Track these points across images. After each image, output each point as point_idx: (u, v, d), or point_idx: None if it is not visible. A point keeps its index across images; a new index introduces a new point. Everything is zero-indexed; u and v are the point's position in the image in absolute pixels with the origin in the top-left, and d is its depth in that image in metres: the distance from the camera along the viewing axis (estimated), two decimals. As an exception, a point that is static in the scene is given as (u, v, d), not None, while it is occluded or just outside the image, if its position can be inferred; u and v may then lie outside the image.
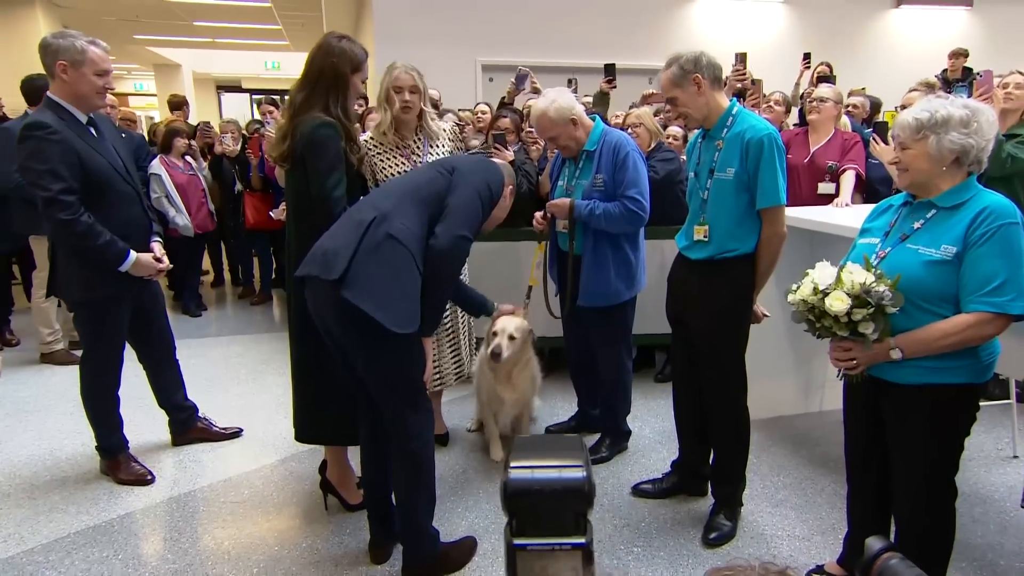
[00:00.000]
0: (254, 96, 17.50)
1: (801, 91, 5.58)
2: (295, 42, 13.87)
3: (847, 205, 3.55)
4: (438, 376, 3.00)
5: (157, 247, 2.89)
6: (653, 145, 3.88)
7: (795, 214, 2.96)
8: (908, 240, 1.82)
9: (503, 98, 5.20)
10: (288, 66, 16.08)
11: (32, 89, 4.03)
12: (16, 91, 4.28)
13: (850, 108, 4.78)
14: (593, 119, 2.94)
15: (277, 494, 2.88)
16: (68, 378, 2.97)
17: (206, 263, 6.65)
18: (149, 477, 2.96)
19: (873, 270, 1.78)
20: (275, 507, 2.78)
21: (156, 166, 5.25)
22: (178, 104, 6.64)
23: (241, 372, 4.34)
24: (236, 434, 3.38)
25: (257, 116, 6.96)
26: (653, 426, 3.48)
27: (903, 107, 3.71)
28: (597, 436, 3.22)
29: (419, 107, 2.79)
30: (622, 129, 3.59)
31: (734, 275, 2.41)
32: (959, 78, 6.08)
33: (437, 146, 2.91)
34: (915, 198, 1.88)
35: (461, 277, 2.97)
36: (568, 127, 2.84)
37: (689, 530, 2.59)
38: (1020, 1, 8.87)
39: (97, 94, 2.69)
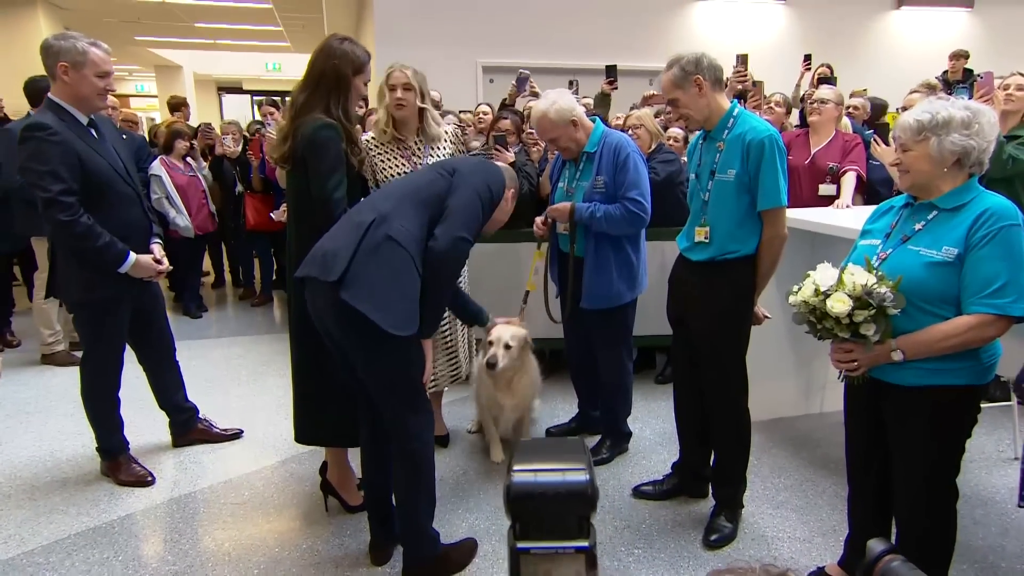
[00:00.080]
0: (255, 97, 17.51)
1: (802, 92, 5.58)
2: (296, 43, 13.88)
3: (848, 206, 3.55)
4: (431, 378, 3.00)
5: (157, 248, 2.89)
6: (654, 146, 3.88)
7: (796, 215, 2.96)
8: (909, 242, 1.82)
9: (504, 100, 5.21)
10: (289, 67, 16.11)
11: (35, 90, 4.04)
12: (17, 92, 4.29)
13: (851, 110, 4.78)
14: (593, 121, 2.94)
15: (278, 495, 2.88)
16: (69, 379, 2.97)
17: (207, 264, 6.66)
18: (150, 478, 2.96)
19: (874, 272, 1.77)
20: (275, 508, 2.78)
21: (156, 167, 5.25)
22: (177, 105, 6.65)
23: (242, 373, 4.34)
24: (237, 435, 3.38)
25: (258, 117, 6.96)
26: (654, 427, 3.48)
27: (904, 109, 3.71)
28: (598, 437, 3.22)
29: (415, 106, 2.78)
30: (623, 130, 3.59)
31: (735, 277, 2.41)
32: (960, 79, 6.08)
33: (438, 148, 2.91)
34: (916, 199, 1.88)
35: (460, 279, 2.98)
36: (568, 128, 2.84)
37: (690, 532, 2.58)
38: (1021, 2, 8.88)
39: (98, 96, 2.70)
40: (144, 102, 18.83)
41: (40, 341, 4.51)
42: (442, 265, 2.08)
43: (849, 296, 1.74)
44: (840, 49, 7.76)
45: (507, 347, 2.81)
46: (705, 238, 2.41)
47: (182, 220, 5.31)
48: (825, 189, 3.77)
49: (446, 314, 2.94)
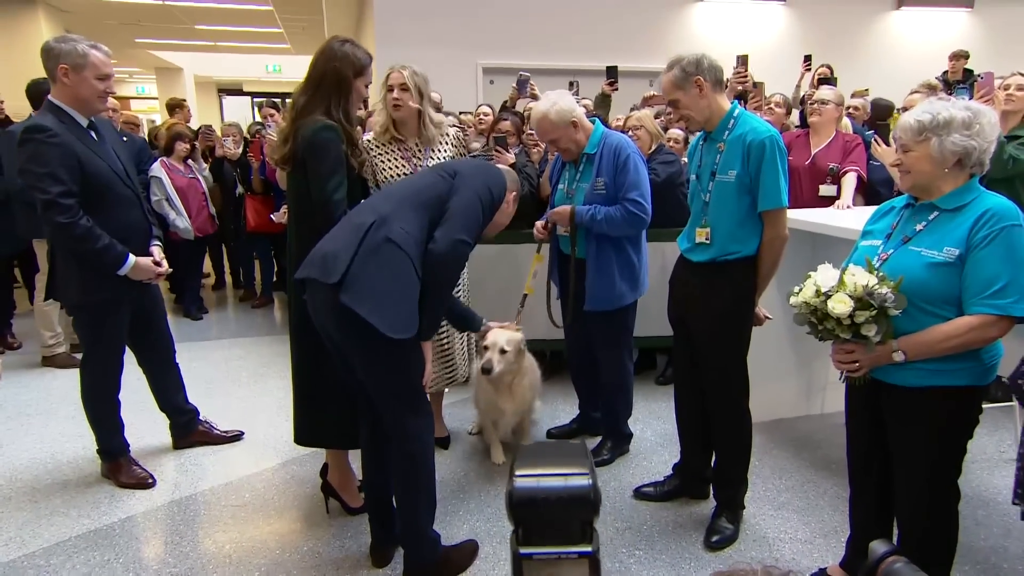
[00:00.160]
0: (255, 99, 17.52)
1: (802, 93, 5.58)
2: (296, 45, 13.90)
3: (848, 207, 3.54)
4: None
5: (157, 251, 2.88)
6: (654, 147, 3.88)
7: (796, 216, 2.96)
8: (910, 242, 1.82)
9: (505, 102, 5.21)
10: (289, 69, 16.13)
11: (37, 93, 4.04)
12: (17, 94, 4.29)
13: (851, 110, 4.78)
14: (593, 122, 2.94)
15: (278, 497, 2.87)
16: (69, 381, 2.97)
17: (207, 266, 6.66)
18: (150, 480, 2.96)
19: (875, 272, 1.77)
20: (276, 510, 2.78)
21: (157, 169, 5.25)
22: (174, 106, 6.66)
23: (242, 375, 4.34)
24: (237, 437, 3.38)
25: (258, 119, 6.96)
26: (654, 428, 3.47)
27: (904, 109, 3.71)
28: (598, 439, 3.22)
29: (412, 107, 2.78)
30: (622, 132, 3.59)
31: (736, 277, 2.41)
32: (960, 80, 6.08)
33: (438, 149, 2.91)
34: (917, 200, 1.88)
35: (460, 283, 2.98)
36: (569, 130, 2.84)
37: (691, 533, 2.58)
38: (1021, 2, 8.88)
39: (98, 98, 2.70)
40: (145, 104, 18.85)
41: (41, 343, 4.51)
42: (441, 267, 2.08)
43: (850, 297, 1.74)
44: (840, 49, 7.76)
45: (502, 352, 2.80)
46: (706, 239, 2.41)
47: (182, 222, 5.31)
48: (826, 190, 3.77)
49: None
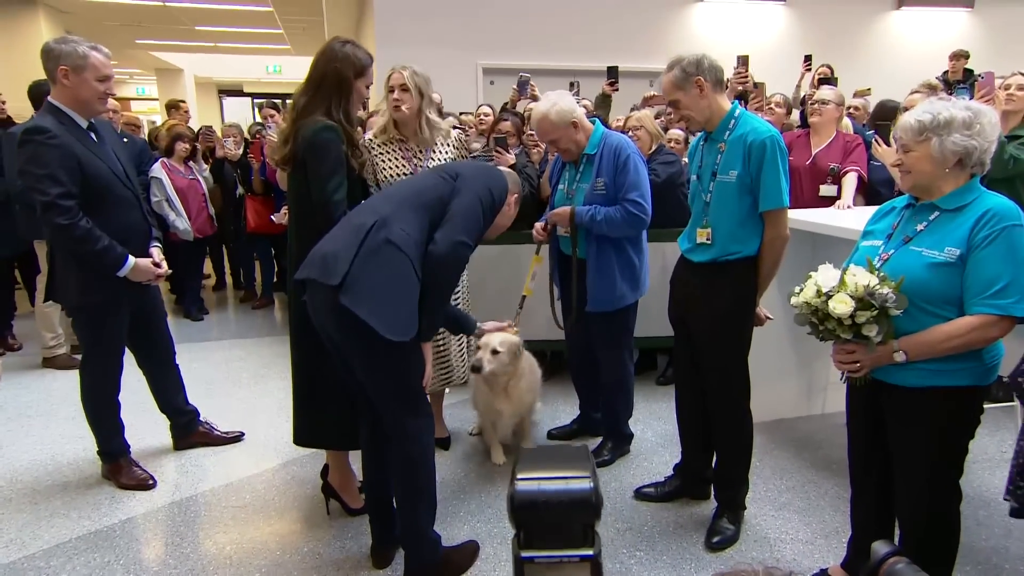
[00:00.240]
0: (256, 100, 17.54)
1: (802, 93, 5.58)
2: (296, 46, 13.90)
3: (849, 207, 3.54)
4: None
5: (156, 252, 2.88)
6: (654, 148, 3.88)
7: (797, 216, 2.95)
8: (911, 242, 1.82)
9: (506, 103, 5.21)
10: (289, 70, 16.14)
11: (39, 94, 4.04)
12: (18, 96, 4.29)
13: (851, 110, 4.77)
14: (593, 122, 2.94)
15: (279, 498, 2.87)
16: (70, 383, 2.97)
17: (207, 267, 6.66)
18: (151, 481, 2.95)
19: (876, 272, 1.77)
20: (277, 511, 2.77)
21: (157, 170, 5.26)
22: (172, 107, 6.67)
23: (243, 376, 4.34)
24: (238, 438, 3.38)
25: (259, 120, 6.97)
26: (655, 429, 3.47)
27: (905, 109, 3.71)
28: (599, 439, 3.21)
29: (412, 107, 2.78)
30: (622, 132, 3.59)
31: (737, 278, 2.40)
32: (960, 80, 6.08)
33: (439, 151, 2.91)
34: (918, 200, 1.88)
35: (459, 285, 2.97)
36: (569, 130, 2.83)
37: (692, 534, 2.58)
38: (1021, 2, 8.87)
39: (99, 99, 2.70)
40: (145, 105, 18.86)
41: (41, 344, 4.51)
42: (441, 269, 2.08)
43: (851, 297, 1.74)
44: (840, 49, 7.76)
45: (494, 352, 2.79)
46: (707, 239, 2.41)
47: (181, 223, 5.31)
48: (826, 190, 3.76)
49: None
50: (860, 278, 1.75)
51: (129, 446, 3.03)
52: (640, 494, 2.83)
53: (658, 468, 3.07)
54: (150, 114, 17.04)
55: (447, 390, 3.36)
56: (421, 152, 2.87)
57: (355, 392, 2.24)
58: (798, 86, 5.75)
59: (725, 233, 2.38)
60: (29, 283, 5.41)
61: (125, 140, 5.03)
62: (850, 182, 3.69)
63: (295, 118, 2.40)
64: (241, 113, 17.40)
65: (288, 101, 2.64)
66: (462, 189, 2.17)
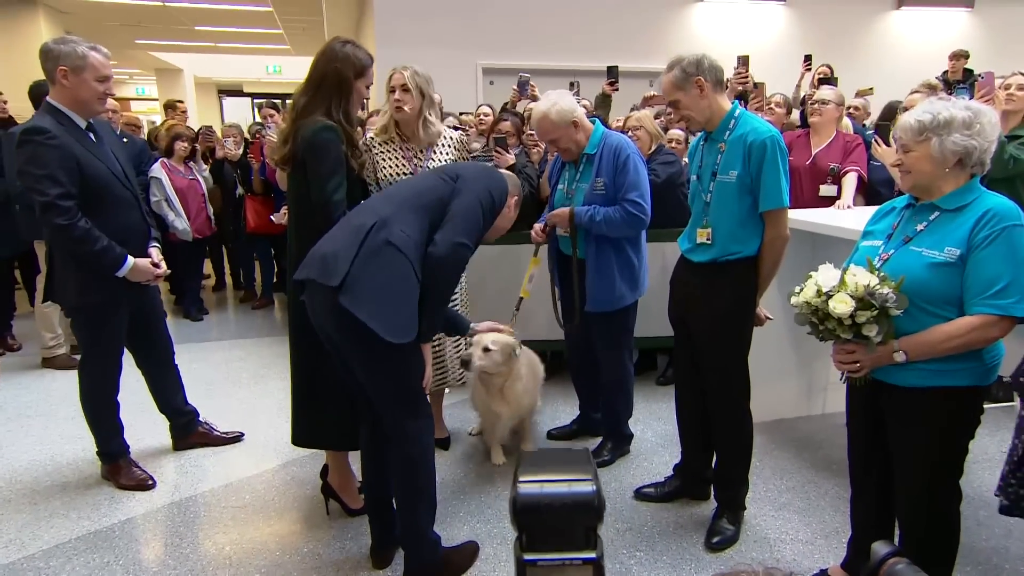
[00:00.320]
0: (255, 100, 17.54)
1: (802, 93, 5.58)
2: (296, 46, 13.90)
3: (849, 207, 3.54)
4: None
5: (155, 252, 2.88)
6: (653, 148, 3.87)
7: (797, 216, 2.95)
8: (911, 242, 1.82)
9: (506, 104, 5.21)
10: (289, 70, 16.14)
11: (40, 95, 4.04)
12: (18, 96, 4.29)
13: (851, 110, 4.77)
14: (593, 122, 2.94)
15: (278, 499, 2.87)
16: (69, 383, 2.97)
17: (207, 267, 6.66)
18: (150, 482, 2.95)
19: (876, 272, 1.77)
20: (276, 512, 2.77)
21: (157, 170, 5.26)
22: (170, 107, 6.67)
23: (242, 376, 4.34)
24: (237, 438, 3.37)
25: (258, 120, 6.97)
26: (655, 429, 3.47)
27: (905, 109, 3.71)
28: (599, 439, 3.21)
29: (414, 107, 2.78)
30: (622, 132, 3.59)
31: (737, 278, 2.40)
32: (960, 80, 6.08)
33: (440, 152, 2.90)
34: (918, 200, 1.88)
35: (459, 286, 2.97)
36: (569, 130, 2.83)
37: (692, 534, 2.57)
38: (1021, 2, 8.87)
39: (98, 100, 2.70)
40: (145, 105, 18.86)
41: (41, 345, 4.50)
42: (441, 271, 2.07)
43: (851, 297, 1.73)
44: (840, 49, 7.76)
45: (486, 350, 2.78)
46: (707, 239, 2.41)
47: (180, 223, 5.31)
48: (826, 190, 3.76)
49: None
50: (860, 278, 1.74)
51: (128, 447, 3.03)
52: (640, 494, 2.83)
53: (658, 468, 3.07)
54: (150, 114, 17.04)
55: (447, 391, 3.36)
56: (421, 152, 2.87)
57: (355, 392, 2.24)
58: (798, 86, 5.74)
59: (725, 233, 2.38)
60: (29, 283, 5.41)
61: (125, 140, 5.04)
62: (850, 182, 3.69)
63: (295, 118, 2.40)
64: (241, 113, 17.41)
65: (288, 101, 2.64)
66: (462, 190, 2.17)
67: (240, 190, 5.92)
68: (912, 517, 1.93)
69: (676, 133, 4.22)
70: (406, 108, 2.77)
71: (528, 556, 0.85)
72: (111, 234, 2.65)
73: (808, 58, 5.63)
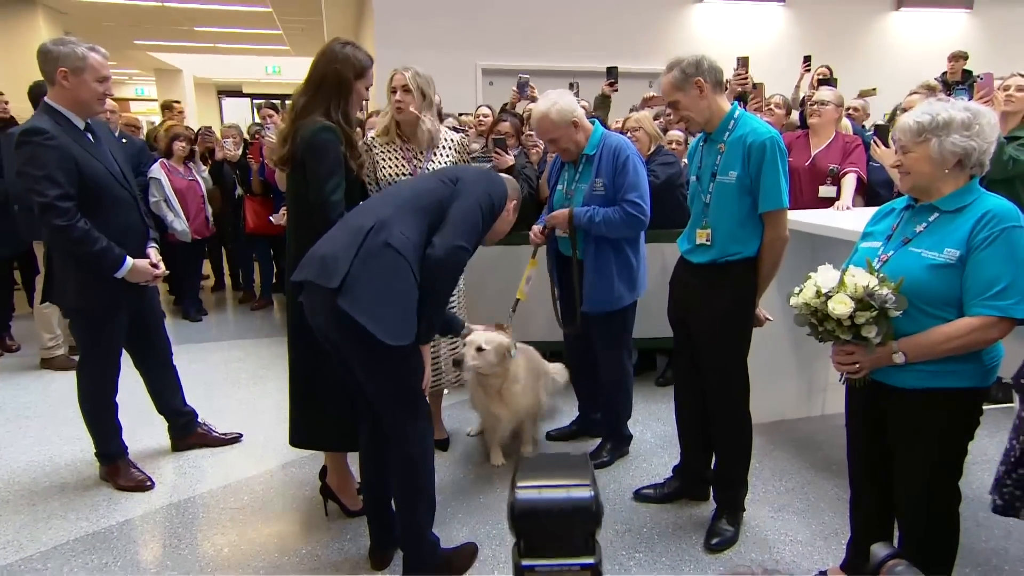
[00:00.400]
0: (255, 101, 17.54)
1: (801, 94, 5.58)
2: (295, 47, 13.91)
3: (848, 208, 3.54)
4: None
5: (153, 253, 2.88)
6: (653, 149, 3.87)
7: (797, 217, 2.95)
8: (911, 243, 1.82)
9: (505, 105, 5.21)
10: (289, 71, 16.14)
11: (40, 96, 4.03)
12: (16, 96, 4.28)
13: (851, 111, 4.77)
14: (592, 123, 2.94)
15: (277, 500, 2.87)
16: (68, 384, 2.96)
17: (206, 268, 6.65)
18: (149, 483, 2.95)
19: (876, 274, 1.77)
20: (275, 513, 2.77)
21: (156, 170, 5.25)
22: (167, 107, 6.66)
23: (241, 377, 4.34)
24: (236, 439, 3.37)
25: (257, 120, 6.97)
26: (655, 430, 3.47)
27: (904, 110, 3.71)
28: (598, 440, 3.21)
29: (415, 108, 2.77)
30: (622, 133, 3.59)
31: (736, 279, 2.40)
32: (959, 81, 6.08)
33: (440, 154, 2.90)
34: (917, 201, 1.88)
35: (457, 288, 2.96)
36: (569, 129, 2.83)
37: (691, 535, 2.57)
38: (1020, 3, 8.88)
39: (97, 100, 2.70)
40: (144, 106, 18.86)
41: (40, 345, 4.50)
42: (439, 273, 2.07)
43: (851, 298, 1.73)
44: (840, 50, 7.76)
45: (479, 350, 2.77)
46: (706, 240, 2.41)
47: (179, 224, 5.31)
48: (825, 191, 3.76)
49: None
50: (859, 279, 1.74)
51: (127, 447, 3.02)
52: (639, 495, 2.83)
53: (657, 469, 3.06)
54: (149, 115, 17.04)
55: (445, 392, 3.35)
56: (421, 154, 2.87)
57: (354, 392, 2.24)
58: (797, 87, 5.75)
59: (725, 234, 2.37)
60: (28, 284, 5.41)
61: (124, 141, 5.04)
62: (849, 183, 3.69)
63: (294, 119, 2.40)
64: (240, 114, 17.41)
65: (287, 102, 2.64)
66: (462, 193, 2.17)
67: (239, 191, 5.92)
68: (911, 518, 1.93)
69: (675, 134, 4.22)
70: (407, 109, 2.77)
71: (526, 562, 0.84)
72: (109, 235, 2.65)
73: (807, 59, 5.63)
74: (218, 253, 6.73)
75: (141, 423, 3.32)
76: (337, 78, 2.38)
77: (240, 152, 5.84)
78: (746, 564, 2.42)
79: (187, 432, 3.29)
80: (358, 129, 2.66)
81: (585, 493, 0.85)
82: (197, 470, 3.12)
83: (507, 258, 3.74)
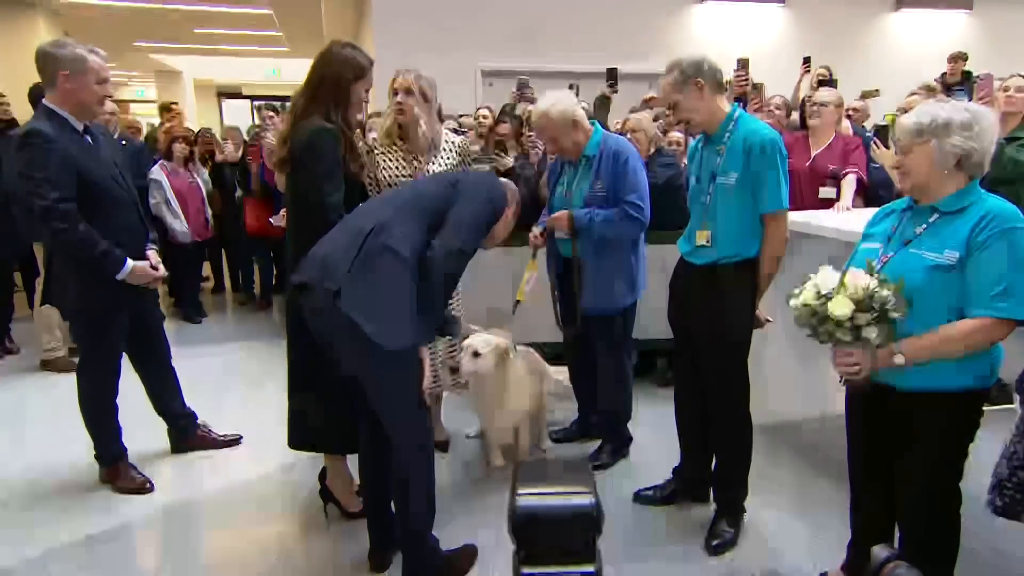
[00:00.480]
0: (255, 102, 17.54)
1: (801, 95, 5.57)
2: (295, 48, 13.90)
3: (848, 209, 3.54)
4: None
5: (153, 255, 2.88)
6: (653, 150, 3.87)
7: (797, 218, 2.95)
8: (911, 245, 1.82)
9: (506, 106, 5.21)
10: (288, 72, 16.12)
11: (41, 98, 4.03)
12: (16, 98, 4.28)
13: (851, 112, 4.77)
14: (592, 124, 2.94)
15: (277, 502, 2.86)
16: (68, 386, 2.96)
17: (206, 270, 6.65)
18: (148, 485, 2.94)
19: (876, 275, 1.77)
20: (275, 515, 2.77)
21: (156, 172, 5.26)
22: (164, 109, 6.66)
23: (241, 379, 4.34)
24: (236, 441, 3.37)
25: (257, 121, 6.97)
26: (654, 431, 3.46)
27: (904, 111, 3.71)
28: (598, 442, 3.21)
29: (417, 111, 2.77)
30: (621, 134, 3.59)
31: (737, 280, 2.40)
32: (958, 81, 6.08)
33: (441, 156, 2.90)
34: (917, 203, 1.88)
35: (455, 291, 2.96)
36: (569, 129, 2.83)
37: (691, 537, 2.57)
38: (1020, 4, 8.88)
39: (98, 102, 2.70)
40: (144, 108, 18.85)
41: (40, 347, 4.50)
42: (438, 276, 2.07)
43: (851, 299, 1.73)
44: (839, 51, 7.74)
45: (476, 354, 2.75)
46: (707, 242, 2.40)
47: (179, 226, 5.31)
48: (825, 192, 3.76)
49: None
50: (860, 280, 1.74)
51: (127, 450, 3.02)
52: (639, 497, 2.82)
53: (657, 471, 3.05)
54: (150, 117, 17.04)
55: (445, 393, 3.35)
56: (422, 156, 2.87)
57: (354, 394, 2.23)
58: (797, 88, 5.74)
59: (725, 235, 2.37)
60: (29, 286, 5.40)
61: (124, 143, 5.03)
62: (849, 184, 3.69)
63: (293, 120, 2.41)
64: (240, 115, 17.39)
65: (287, 103, 2.64)
66: (461, 197, 2.17)
67: (239, 192, 5.92)
68: (912, 520, 1.93)
69: (675, 135, 4.22)
70: (409, 112, 2.77)
71: (526, 570, 0.84)
72: (109, 236, 2.65)
73: (807, 60, 5.63)
74: (218, 255, 6.73)
75: (141, 425, 3.31)
76: (336, 80, 2.39)
77: (240, 154, 5.84)
78: (747, 565, 2.42)
79: (187, 434, 3.28)
80: (358, 131, 2.66)
81: (585, 500, 0.85)
82: (197, 472, 3.12)
83: (505, 260, 3.73)
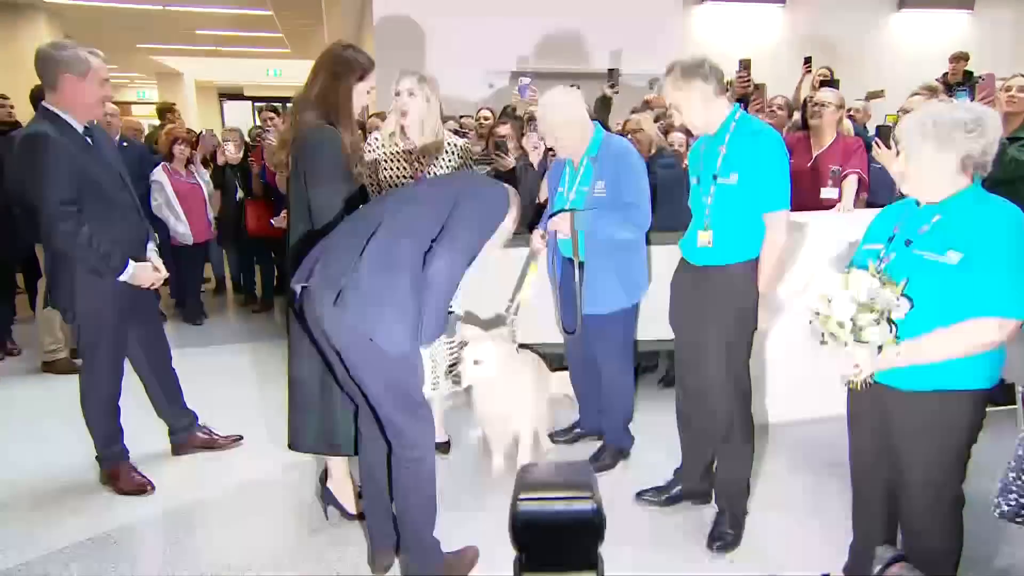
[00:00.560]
0: (256, 103, 17.56)
1: (802, 95, 5.57)
2: (296, 49, 13.93)
3: (850, 210, 3.53)
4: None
5: (154, 256, 2.88)
6: (654, 151, 3.87)
7: (798, 219, 2.94)
8: (913, 245, 1.81)
9: (507, 107, 5.21)
10: (289, 73, 16.17)
11: (42, 100, 4.04)
12: (17, 100, 4.28)
13: (852, 112, 4.76)
14: (593, 125, 2.94)
15: (278, 503, 2.86)
16: (70, 387, 2.97)
17: (207, 271, 6.65)
18: (149, 487, 2.94)
19: (878, 275, 1.76)
20: (275, 516, 2.77)
21: (158, 173, 5.26)
22: (165, 111, 6.67)
23: (242, 380, 4.33)
24: (236, 442, 3.36)
25: (258, 123, 6.98)
26: (656, 433, 3.45)
27: (905, 111, 3.70)
28: (599, 444, 3.20)
29: (419, 113, 2.77)
30: (622, 135, 3.58)
31: (738, 280, 2.40)
32: (960, 82, 6.07)
33: (443, 158, 2.90)
34: (919, 203, 1.87)
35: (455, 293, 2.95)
36: (571, 128, 2.83)
37: (693, 538, 2.56)
38: (1021, 4, 8.88)
39: (99, 104, 2.71)
40: (146, 109, 18.88)
41: (41, 348, 4.50)
42: (438, 279, 2.06)
43: (852, 300, 1.73)
44: (841, 51, 7.76)
45: (475, 363, 2.73)
46: (708, 242, 2.40)
47: (181, 227, 5.32)
48: (827, 192, 3.76)
49: None
50: (861, 281, 1.74)
51: (128, 451, 3.02)
52: (640, 498, 2.82)
53: (658, 472, 3.05)
54: (151, 118, 17.07)
55: (445, 395, 3.34)
56: (424, 158, 2.87)
57: (354, 396, 2.23)
58: (798, 88, 5.74)
59: (726, 236, 2.37)
60: (31, 288, 5.41)
61: (125, 145, 5.04)
62: (851, 184, 3.68)
63: (295, 122, 2.41)
64: (242, 117, 17.43)
65: (289, 105, 2.64)
66: (461, 201, 2.16)
67: (240, 194, 5.92)
68: (915, 522, 1.93)
69: (676, 136, 4.21)
70: (411, 113, 2.77)
71: (528, 576, 0.84)
72: (110, 238, 2.65)
73: (808, 60, 5.62)
74: (219, 256, 6.72)
75: (141, 427, 3.31)
76: (338, 81, 2.39)
77: (241, 155, 5.84)
78: (748, 567, 2.42)
79: (188, 435, 3.28)
80: (359, 132, 2.66)
81: (587, 505, 0.84)
82: (197, 473, 3.12)
83: (505, 261, 3.72)
